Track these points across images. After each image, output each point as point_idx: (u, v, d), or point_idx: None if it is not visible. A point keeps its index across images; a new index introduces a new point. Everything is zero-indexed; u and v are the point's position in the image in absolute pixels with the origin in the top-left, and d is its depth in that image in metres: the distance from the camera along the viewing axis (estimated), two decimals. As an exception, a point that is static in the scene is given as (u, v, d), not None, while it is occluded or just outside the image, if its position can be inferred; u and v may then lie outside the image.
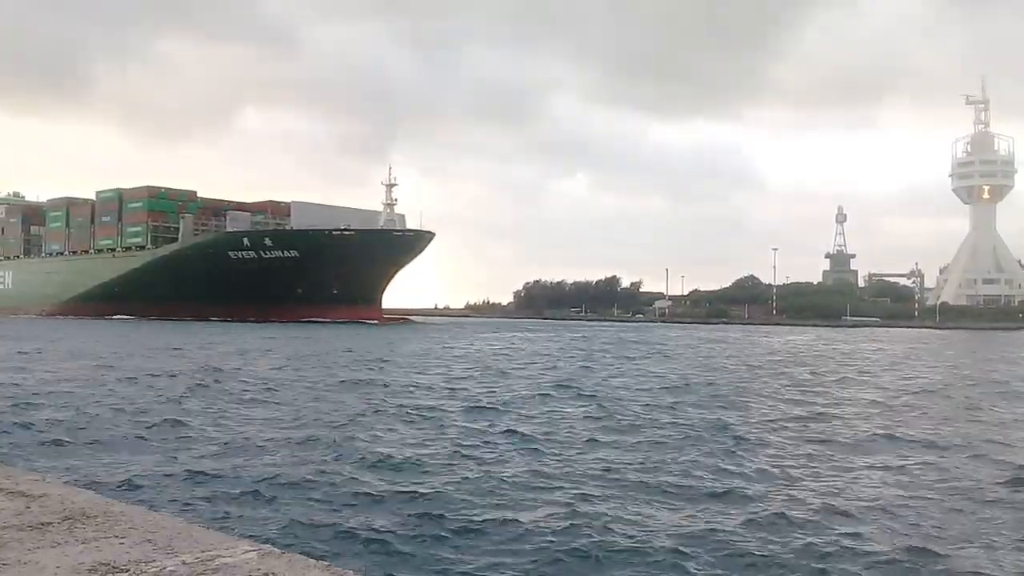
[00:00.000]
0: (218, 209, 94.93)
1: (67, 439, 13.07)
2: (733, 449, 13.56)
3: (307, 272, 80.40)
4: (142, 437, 13.60)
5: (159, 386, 21.18)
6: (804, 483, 11.10)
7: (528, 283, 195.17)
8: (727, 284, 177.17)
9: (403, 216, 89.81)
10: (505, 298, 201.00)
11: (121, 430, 14.21)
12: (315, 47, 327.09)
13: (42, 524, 3.14)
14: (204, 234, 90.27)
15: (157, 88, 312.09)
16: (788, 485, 10.95)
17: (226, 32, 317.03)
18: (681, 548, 7.95)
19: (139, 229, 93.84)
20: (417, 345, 47.34)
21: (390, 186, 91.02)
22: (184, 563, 2.65)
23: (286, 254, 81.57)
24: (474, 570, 7.42)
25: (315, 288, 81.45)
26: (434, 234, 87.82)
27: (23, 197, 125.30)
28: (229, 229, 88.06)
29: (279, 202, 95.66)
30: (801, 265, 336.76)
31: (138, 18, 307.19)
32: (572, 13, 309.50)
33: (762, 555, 7.85)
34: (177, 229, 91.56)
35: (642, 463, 12.17)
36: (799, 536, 8.48)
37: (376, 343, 47.47)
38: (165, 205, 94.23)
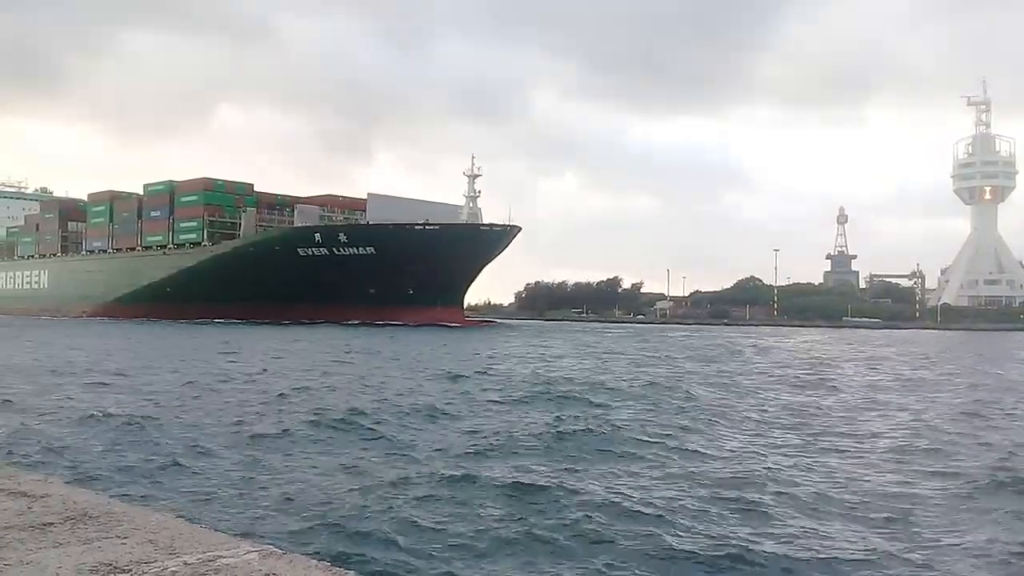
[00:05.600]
0: (272, 203, 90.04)
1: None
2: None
3: (385, 270, 74.69)
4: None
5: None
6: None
7: (529, 284, 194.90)
8: (728, 285, 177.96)
9: (480, 210, 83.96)
10: (506, 299, 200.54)
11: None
12: (291, 42, 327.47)
13: (44, 524, 3.17)
14: (266, 229, 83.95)
15: (130, 85, 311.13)
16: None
17: (199, 27, 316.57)
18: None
19: (194, 224, 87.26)
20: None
21: (473, 177, 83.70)
22: (186, 563, 2.68)
23: (362, 251, 75.76)
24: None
25: (390, 288, 75.57)
26: (520, 228, 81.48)
27: (51, 192, 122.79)
28: (297, 224, 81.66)
29: (338, 196, 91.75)
30: (802, 266, 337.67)
31: (107, 12, 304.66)
32: (551, 7, 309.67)
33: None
34: (234, 224, 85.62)
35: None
36: None
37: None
38: (222, 199, 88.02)
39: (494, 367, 28.65)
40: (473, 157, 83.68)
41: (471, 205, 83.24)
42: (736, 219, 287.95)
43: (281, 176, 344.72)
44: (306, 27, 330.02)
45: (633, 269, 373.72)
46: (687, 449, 12.57)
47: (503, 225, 79.65)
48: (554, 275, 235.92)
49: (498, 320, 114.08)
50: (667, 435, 13.90)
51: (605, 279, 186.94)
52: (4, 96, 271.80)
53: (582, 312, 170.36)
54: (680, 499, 9.27)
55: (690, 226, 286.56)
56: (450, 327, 73.90)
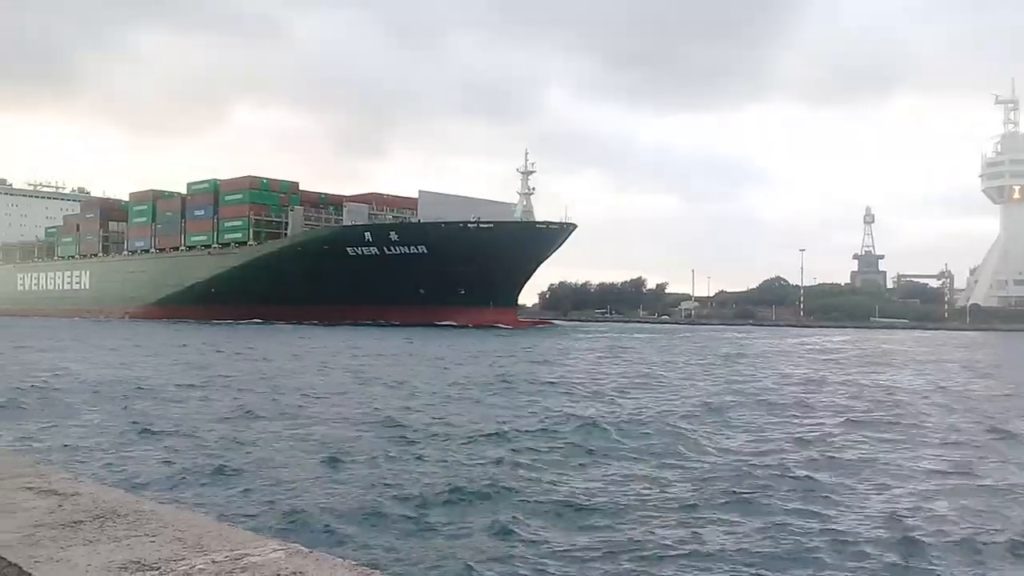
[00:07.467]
0: (315, 202, 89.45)
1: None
2: None
3: (437, 270, 72.97)
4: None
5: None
6: None
7: (553, 284, 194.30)
8: (753, 285, 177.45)
9: (533, 207, 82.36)
10: (530, 299, 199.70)
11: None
12: (304, 41, 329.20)
13: (74, 522, 3.23)
14: (312, 228, 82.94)
15: (143, 83, 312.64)
16: None
17: (211, 26, 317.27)
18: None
19: (239, 223, 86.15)
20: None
21: (527, 173, 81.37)
22: (214, 562, 2.72)
23: (413, 250, 74.48)
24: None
25: (441, 288, 73.84)
26: (576, 225, 79.05)
27: (89, 192, 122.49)
28: (346, 223, 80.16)
29: (382, 194, 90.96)
30: (828, 266, 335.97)
31: (119, 10, 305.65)
32: (567, 3, 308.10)
33: None
34: (279, 223, 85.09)
35: None
36: None
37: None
38: (267, 197, 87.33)
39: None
40: (527, 152, 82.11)
41: (524, 203, 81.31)
42: (760, 219, 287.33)
43: (296, 173, 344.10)
44: (318, 26, 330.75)
45: (657, 269, 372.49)
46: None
47: (559, 223, 77.87)
48: (576, 275, 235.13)
49: (553, 321, 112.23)
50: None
51: (629, 279, 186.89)
52: (22, 94, 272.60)
53: (606, 312, 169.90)
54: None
55: (714, 226, 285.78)
56: (504, 328, 72.51)
